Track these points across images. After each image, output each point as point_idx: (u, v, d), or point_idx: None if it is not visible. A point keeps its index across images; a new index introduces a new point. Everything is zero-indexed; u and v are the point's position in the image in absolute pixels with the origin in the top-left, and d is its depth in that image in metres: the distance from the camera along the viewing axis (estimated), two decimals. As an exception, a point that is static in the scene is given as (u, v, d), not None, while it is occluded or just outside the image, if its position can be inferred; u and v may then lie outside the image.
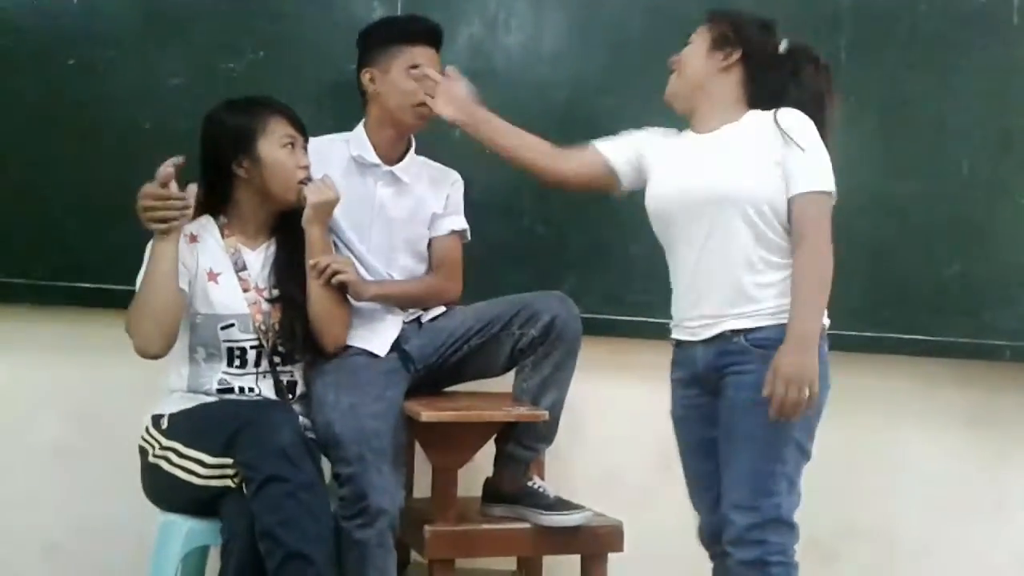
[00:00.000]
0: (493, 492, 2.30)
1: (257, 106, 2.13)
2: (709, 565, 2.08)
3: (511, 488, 2.26)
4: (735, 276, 1.95)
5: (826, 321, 1.97)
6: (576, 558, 2.27)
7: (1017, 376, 2.94)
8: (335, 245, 2.25)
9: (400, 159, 2.36)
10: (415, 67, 2.28)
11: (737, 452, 1.93)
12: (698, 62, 2.07)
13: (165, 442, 1.99)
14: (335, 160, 2.29)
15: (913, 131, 2.85)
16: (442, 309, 2.36)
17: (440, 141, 2.45)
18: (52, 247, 2.36)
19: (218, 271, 2.10)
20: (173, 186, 1.97)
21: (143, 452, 2.05)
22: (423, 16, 2.37)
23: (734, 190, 1.96)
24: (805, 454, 1.95)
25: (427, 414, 2.12)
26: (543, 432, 2.27)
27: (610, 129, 2.62)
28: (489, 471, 2.32)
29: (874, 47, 2.83)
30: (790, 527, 1.93)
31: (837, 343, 2.76)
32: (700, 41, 2.09)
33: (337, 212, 2.20)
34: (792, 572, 1.93)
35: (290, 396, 2.14)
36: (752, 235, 1.95)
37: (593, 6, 2.71)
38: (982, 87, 2.87)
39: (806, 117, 1.99)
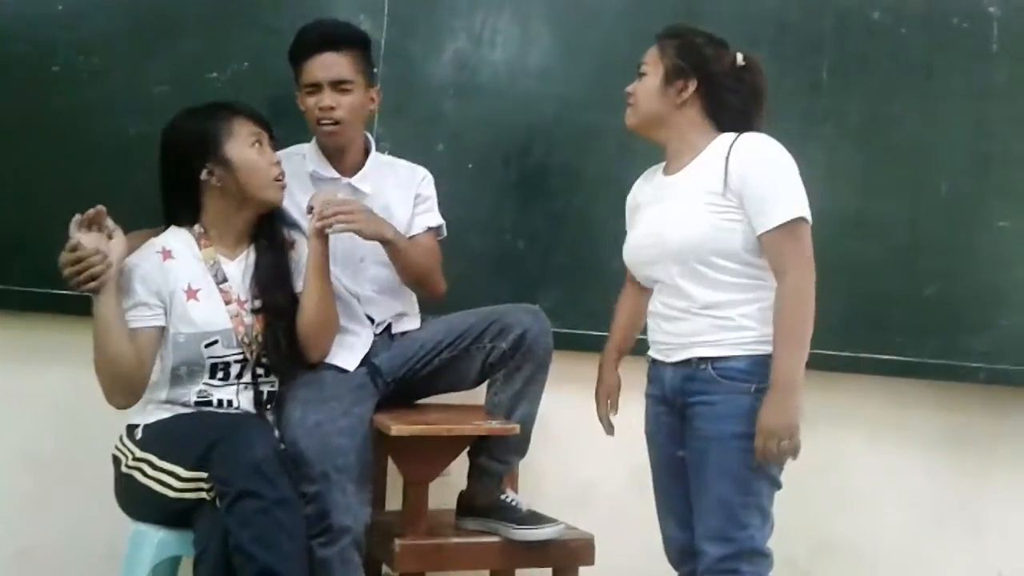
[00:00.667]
0: (467, 505, 2.30)
1: (218, 109, 2.09)
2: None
3: (484, 502, 2.26)
4: (699, 316, 1.94)
5: None
6: (548, 572, 2.27)
7: (992, 398, 2.98)
8: None
9: (359, 168, 2.30)
10: (309, 86, 2.20)
11: (709, 484, 1.92)
12: (653, 100, 2.00)
13: (139, 453, 1.98)
14: (294, 174, 2.22)
15: (892, 153, 2.89)
16: (417, 324, 2.36)
17: (423, 154, 2.46)
18: (33, 253, 2.34)
19: (197, 287, 2.05)
20: (86, 240, 1.91)
21: (116, 461, 2.03)
22: (310, 24, 2.23)
23: (677, 249, 1.94)
24: (776, 484, 1.95)
25: (397, 428, 2.10)
26: (516, 445, 2.26)
27: (596, 144, 2.66)
28: (462, 484, 2.31)
29: (856, 70, 2.86)
30: (764, 556, 1.93)
31: (814, 363, 2.79)
32: (653, 75, 2.01)
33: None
34: None
35: (268, 407, 2.12)
36: (705, 285, 1.93)
37: (578, 22, 2.73)
38: (961, 111, 2.91)
39: (766, 142, 1.94)
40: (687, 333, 1.96)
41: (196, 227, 2.10)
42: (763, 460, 1.86)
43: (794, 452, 1.86)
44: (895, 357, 2.84)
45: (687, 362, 1.96)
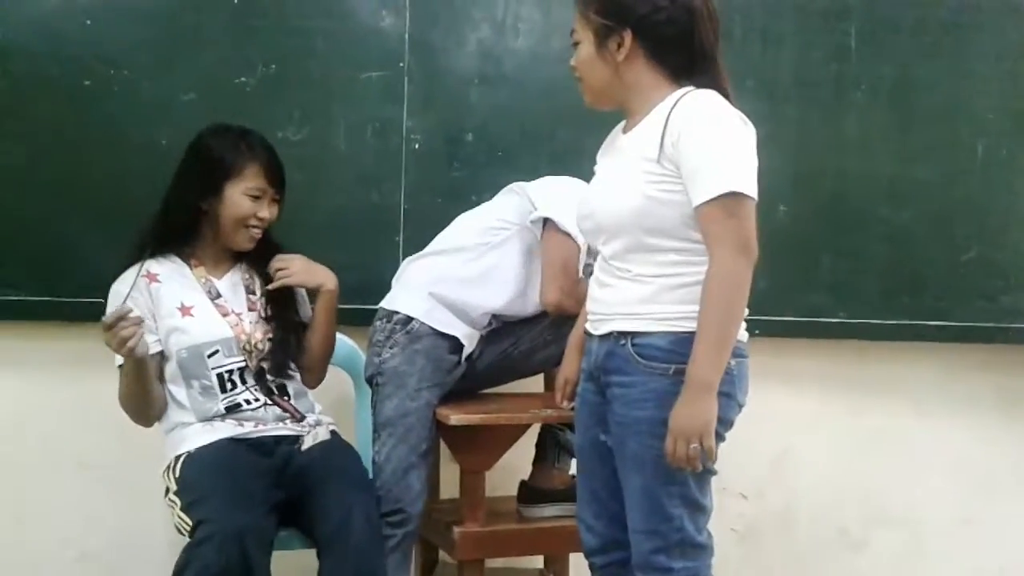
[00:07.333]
0: (538, 491, 2.29)
1: (243, 144, 2.11)
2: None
3: (562, 484, 2.24)
4: (624, 285, 1.77)
5: (743, 335, 1.75)
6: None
7: (1039, 360, 2.94)
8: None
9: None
10: None
11: (630, 474, 1.76)
12: (596, 70, 1.79)
13: (174, 488, 1.99)
14: None
15: (928, 116, 2.85)
16: None
17: (452, 144, 2.47)
18: (76, 264, 2.39)
19: (190, 304, 2.09)
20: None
21: (167, 490, 2.04)
22: None
23: (608, 226, 1.77)
24: (707, 471, 1.73)
25: (457, 417, 2.14)
26: None
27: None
28: (512, 469, 2.32)
29: (886, 32, 2.82)
30: (698, 547, 1.76)
31: (857, 332, 2.80)
32: (586, 42, 1.80)
33: None
34: None
35: (286, 398, 2.15)
36: (638, 261, 1.74)
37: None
38: (996, 71, 2.86)
39: (707, 102, 1.70)
40: (611, 303, 1.78)
41: (185, 249, 2.15)
42: (672, 463, 1.66)
43: (707, 456, 1.65)
44: (938, 323, 2.81)
45: (609, 336, 1.78)
